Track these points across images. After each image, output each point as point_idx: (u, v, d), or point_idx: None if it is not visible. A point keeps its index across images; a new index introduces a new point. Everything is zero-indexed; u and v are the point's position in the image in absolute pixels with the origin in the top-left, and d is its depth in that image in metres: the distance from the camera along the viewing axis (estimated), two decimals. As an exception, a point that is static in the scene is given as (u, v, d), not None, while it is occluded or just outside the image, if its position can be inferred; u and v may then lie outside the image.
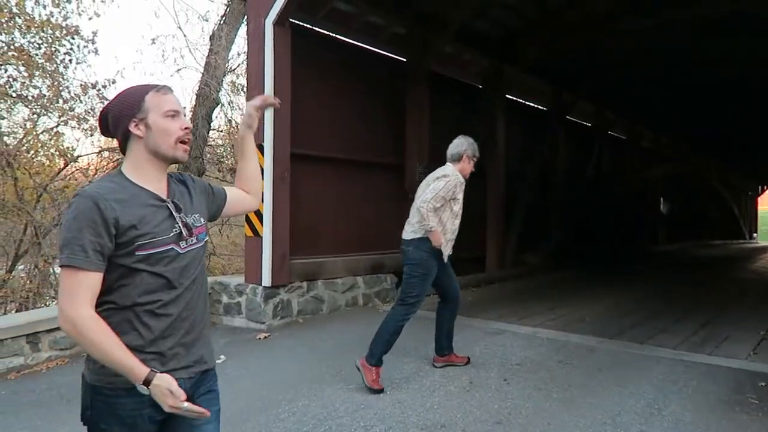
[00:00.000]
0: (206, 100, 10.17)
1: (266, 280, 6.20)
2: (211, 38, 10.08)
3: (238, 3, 9.94)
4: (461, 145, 4.62)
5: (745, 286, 9.63)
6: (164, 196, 1.60)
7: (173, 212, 1.59)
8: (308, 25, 7.31)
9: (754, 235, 32.46)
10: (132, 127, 1.58)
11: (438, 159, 8.78)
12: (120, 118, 1.60)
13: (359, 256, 7.54)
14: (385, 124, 8.24)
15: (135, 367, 1.44)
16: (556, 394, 4.00)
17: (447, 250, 4.47)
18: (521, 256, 10.98)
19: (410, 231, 4.45)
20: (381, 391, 4.02)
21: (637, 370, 4.49)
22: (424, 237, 4.29)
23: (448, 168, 4.53)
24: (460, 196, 4.42)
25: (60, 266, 1.47)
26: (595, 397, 3.92)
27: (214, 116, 10.73)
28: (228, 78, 11.22)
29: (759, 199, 35.23)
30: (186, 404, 1.46)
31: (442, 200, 4.29)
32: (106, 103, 1.73)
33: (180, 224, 1.58)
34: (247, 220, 6.44)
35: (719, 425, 3.44)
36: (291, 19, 6.45)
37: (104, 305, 1.50)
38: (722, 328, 5.97)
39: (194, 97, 10.33)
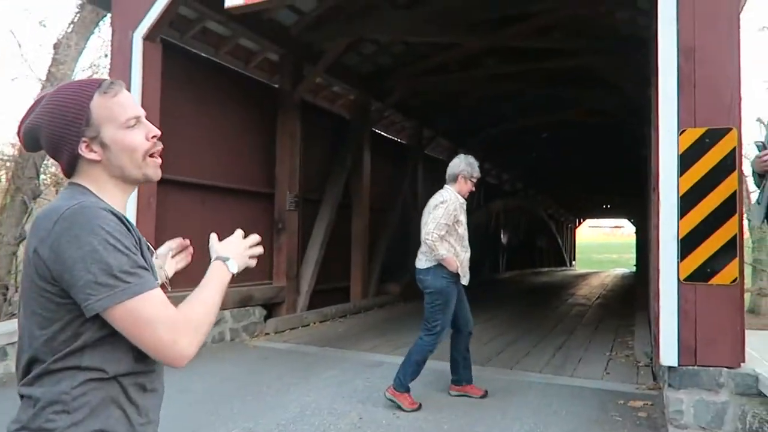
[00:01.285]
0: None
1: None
2: (56, 46, 9.09)
3: (90, 11, 9.12)
4: (458, 165, 4.57)
5: (582, 311, 10.74)
6: None
7: (153, 255, 1.30)
8: (177, 43, 6.92)
9: (573, 262, 36.56)
10: (83, 150, 1.19)
11: (309, 187, 8.81)
12: (62, 138, 1.19)
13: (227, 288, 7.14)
14: (256, 152, 8.01)
15: (221, 270, 1.30)
16: (447, 425, 4.07)
17: (464, 272, 4.41)
18: (383, 285, 11.20)
19: (424, 260, 4.41)
20: (420, 407, 4.30)
21: (514, 395, 4.75)
22: (440, 264, 4.27)
23: (445, 192, 4.50)
24: (463, 218, 4.41)
25: (117, 303, 1.07)
26: (483, 425, 4.06)
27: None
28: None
29: (576, 230, 39.91)
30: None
31: (445, 227, 4.27)
32: (25, 112, 1.23)
33: (163, 271, 1.33)
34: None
35: (594, 444, 3.74)
36: (162, 36, 6.05)
37: (81, 377, 1.10)
38: (574, 351, 6.56)
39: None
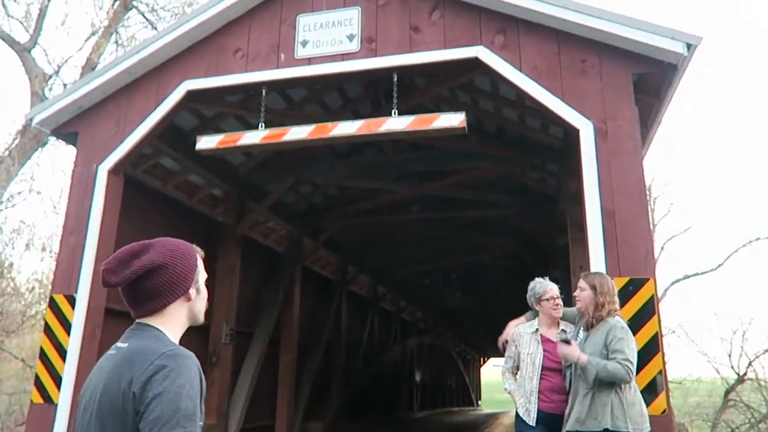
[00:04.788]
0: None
1: (55, 457, 5.20)
2: (-12, 169, 8.96)
3: (31, 139, 9.19)
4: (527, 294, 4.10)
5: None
6: None
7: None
8: (130, 175, 7.16)
9: (479, 402, 36.74)
10: (191, 292, 1.47)
11: (241, 320, 8.79)
12: (184, 279, 1.45)
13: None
14: (195, 283, 8.03)
15: None
16: None
17: (526, 407, 3.80)
18: (306, 422, 10.90)
19: None
20: None
21: None
22: None
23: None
24: (520, 350, 3.90)
25: None
26: None
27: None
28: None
29: (481, 369, 40.61)
30: None
31: (508, 359, 3.99)
32: (150, 253, 1.45)
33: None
34: (38, 382, 5.48)
35: None
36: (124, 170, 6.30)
37: None
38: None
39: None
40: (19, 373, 11.64)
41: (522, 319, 3.98)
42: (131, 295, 1.47)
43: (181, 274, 1.46)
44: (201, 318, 1.55)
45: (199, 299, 1.52)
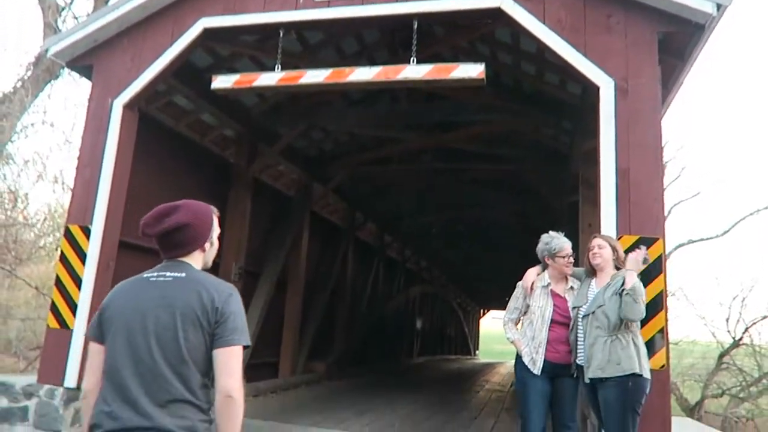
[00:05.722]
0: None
1: (71, 380, 5.42)
2: (1, 101, 8.95)
3: (44, 71, 9.14)
4: (538, 247, 4.12)
5: (501, 396, 11.32)
6: None
7: None
8: (145, 111, 7.16)
9: (477, 352, 37.58)
10: (206, 245, 1.95)
11: (249, 260, 8.95)
12: (201, 236, 1.92)
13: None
14: (206, 222, 8.16)
15: None
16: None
17: (532, 357, 3.84)
18: (309, 363, 11.24)
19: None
20: None
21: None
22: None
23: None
24: (530, 302, 3.95)
25: (243, 347, 1.75)
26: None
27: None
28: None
29: (480, 320, 41.34)
30: None
31: (514, 310, 4.03)
32: (178, 214, 1.89)
33: None
34: (54, 308, 5.66)
35: None
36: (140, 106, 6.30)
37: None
38: (504, 432, 7.03)
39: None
40: (29, 301, 11.96)
41: (539, 268, 4.06)
42: (164, 244, 1.90)
43: (200, 231, 1.92)
44: (210, 264, 2.04)
45: (212, 250, 2.00)
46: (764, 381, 15.77)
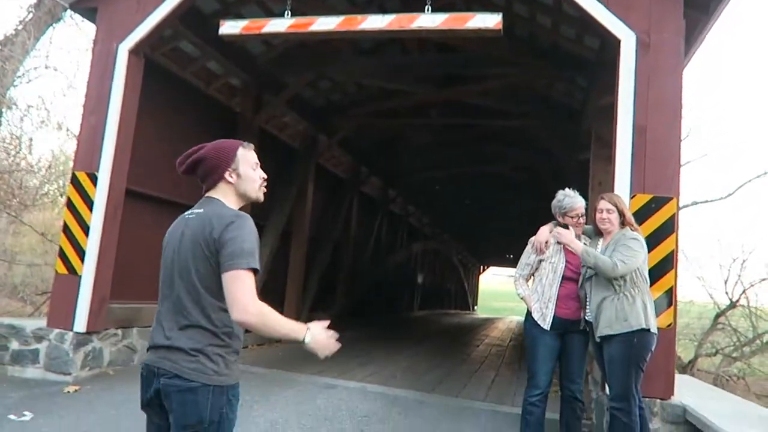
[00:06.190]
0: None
1: (80, 325, 5.50)
2: (3, 43, 8.75)
3: (45, 12, 8.90)
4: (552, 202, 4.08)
5: (500, 351, 11.49)
6: None
7: None
8: (150, 57, 7.00)
9: (476, 307, 38.12)
10: (226, 176, 1.97)
11: (257, 210, 8.92)
12: (216, 167, 1.97)
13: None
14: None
15: (301, 327, 1.85)
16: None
17: (542, 312, 3.85)
18: (313, 314, 11.38)
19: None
20: None
21: (466, 420, 5.17)
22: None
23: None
24: (542, 257, 3.93)
25: (247, 269, 1.78)
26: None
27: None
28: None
29: (480, 276, 41.76)
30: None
31: (525, 266, 4.01)
32: (200, 151, 2.00)
33: None
34: (62, 254, 5.68)
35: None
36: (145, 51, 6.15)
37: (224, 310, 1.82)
38: (506, 385, 7.15)
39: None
40: (33, 247, 11.98)
41: (551, 225, 4.02)
42: (197, 177, 2.03)
43: (215, 163, 1.98)
44: (253, 195, 2.04)
45: (242, 181, 2.00)
46: (758, 341, 16.00)
